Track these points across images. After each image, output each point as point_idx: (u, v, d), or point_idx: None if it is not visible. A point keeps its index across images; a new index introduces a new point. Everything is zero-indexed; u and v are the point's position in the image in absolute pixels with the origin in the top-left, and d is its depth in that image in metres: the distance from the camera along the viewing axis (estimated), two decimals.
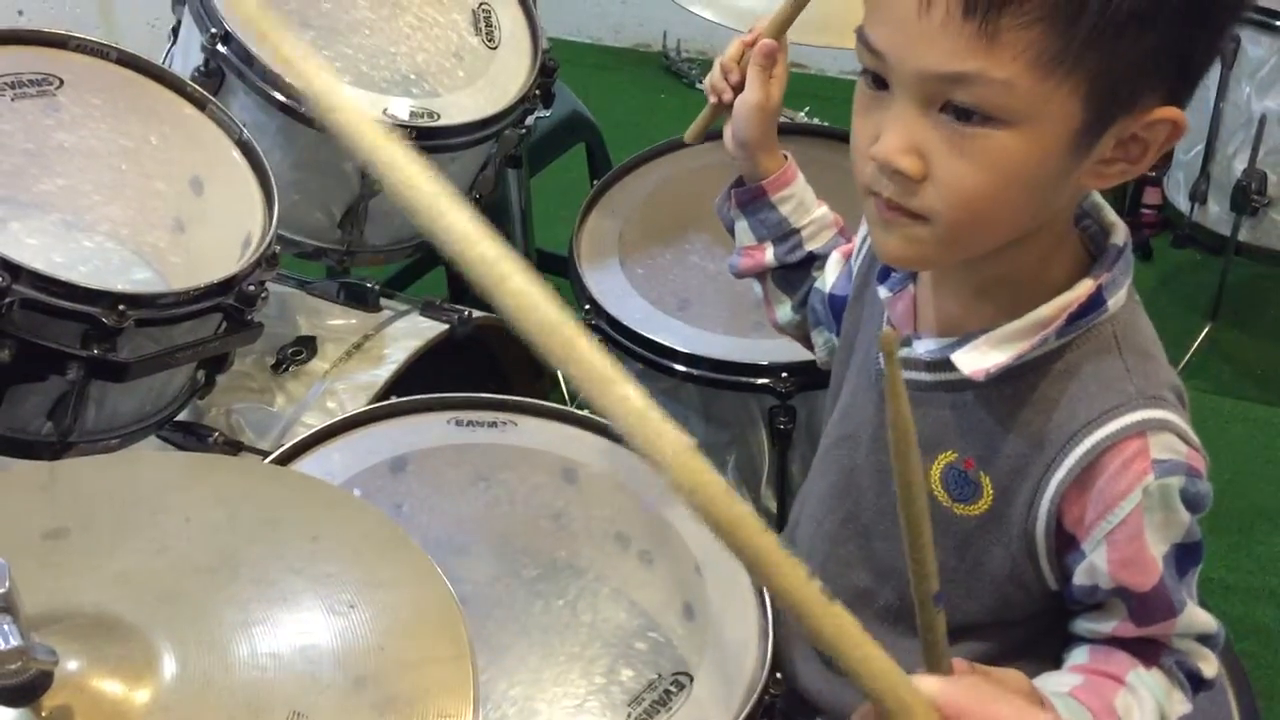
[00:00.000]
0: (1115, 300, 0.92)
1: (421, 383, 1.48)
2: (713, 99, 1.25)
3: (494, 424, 1.32)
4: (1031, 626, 1.03)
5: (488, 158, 1.71)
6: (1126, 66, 0.81)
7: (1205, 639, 0.97)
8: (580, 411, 1.34)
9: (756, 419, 1.52)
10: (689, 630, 1.13)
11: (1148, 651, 0.96)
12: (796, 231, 1.24)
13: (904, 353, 1.00)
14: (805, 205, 1.24)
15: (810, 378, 1.48)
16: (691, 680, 1.08)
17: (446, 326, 1.60)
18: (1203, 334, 2.56)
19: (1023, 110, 0.81)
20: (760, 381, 1.48)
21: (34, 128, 1.34)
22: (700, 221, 1.73)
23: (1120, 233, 0.94)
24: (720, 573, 1.18)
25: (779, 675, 1.09)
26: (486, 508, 1.24)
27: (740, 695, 1.07)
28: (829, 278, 1.22)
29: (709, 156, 1.82)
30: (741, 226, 1.27)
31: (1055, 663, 1.03)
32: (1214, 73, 2.44)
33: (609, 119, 2.44)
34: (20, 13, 2.62)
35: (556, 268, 2.24)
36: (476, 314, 1.64)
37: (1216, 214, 2.51)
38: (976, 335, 0.94)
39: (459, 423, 1.32)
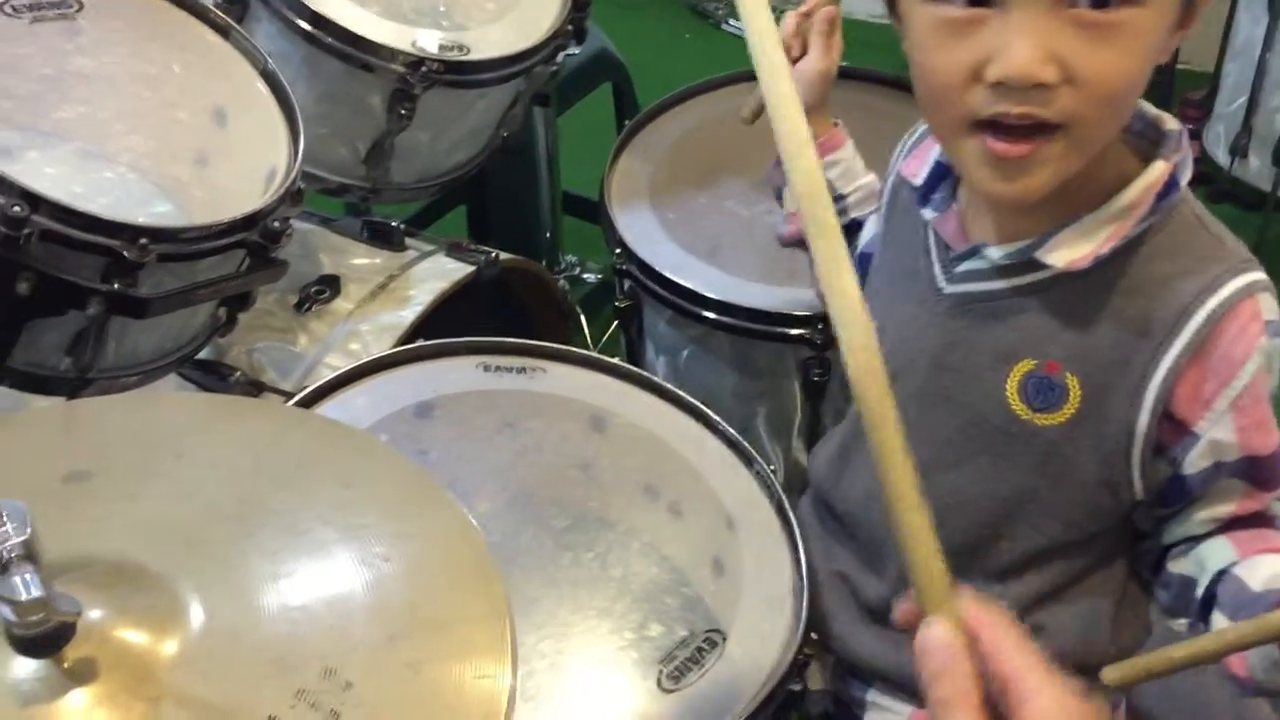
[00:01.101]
0: (1184, 181, 0.93)
1: (445, 325, 1.45)
2: None
3: (523, 370, 1.29)
4: (1094, 553, 1.02)
5: (517, 95, 1.66)
6: None
7: None
8: (611, 359, 1.31)
9: (790, 369, 1.49)
10: (720, 586, 1.11)
11: (1269, 524, 0.95)
12: (842, 198, 1.22)
13: (969, 265, 0.98)
14: (852, 172, 1.23)
15: None
16: (724, 638, 1.06)
17: (473, 268, 1.57)
18: None
19: None
20: (795, 332, 1.45)
21: (53, 52, 1.29)
22: (735, 166, 1.68)
23: (1171, 119, 0.94)
24: (752, 527, 1.16)
25: (814, 635, 1.06)
26: (515, 456, 1.21)
27: (775, 653, 1.05)
28: (865, 236, 1.20)
29: (744, 98, 1.78)
30: (788, 194, 1.26)
31: (1107, 599, 1.02)
32: (1261, 23, 2.38)
33: (633, 60, 2.38)
34: None
35: (583, 211, 2.21)
36: (504, 256, 1.60)
37: (1257, 168, 2.46)
38: (1056, 232, 0.92)
39: (487, 368, 1.29)
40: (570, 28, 1.62)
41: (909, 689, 1.10)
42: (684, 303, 1.50)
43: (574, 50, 1.80)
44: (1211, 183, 2.68)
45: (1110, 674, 0.85)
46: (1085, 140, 0.86)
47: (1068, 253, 0.91)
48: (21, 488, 0.69)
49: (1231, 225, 0.95)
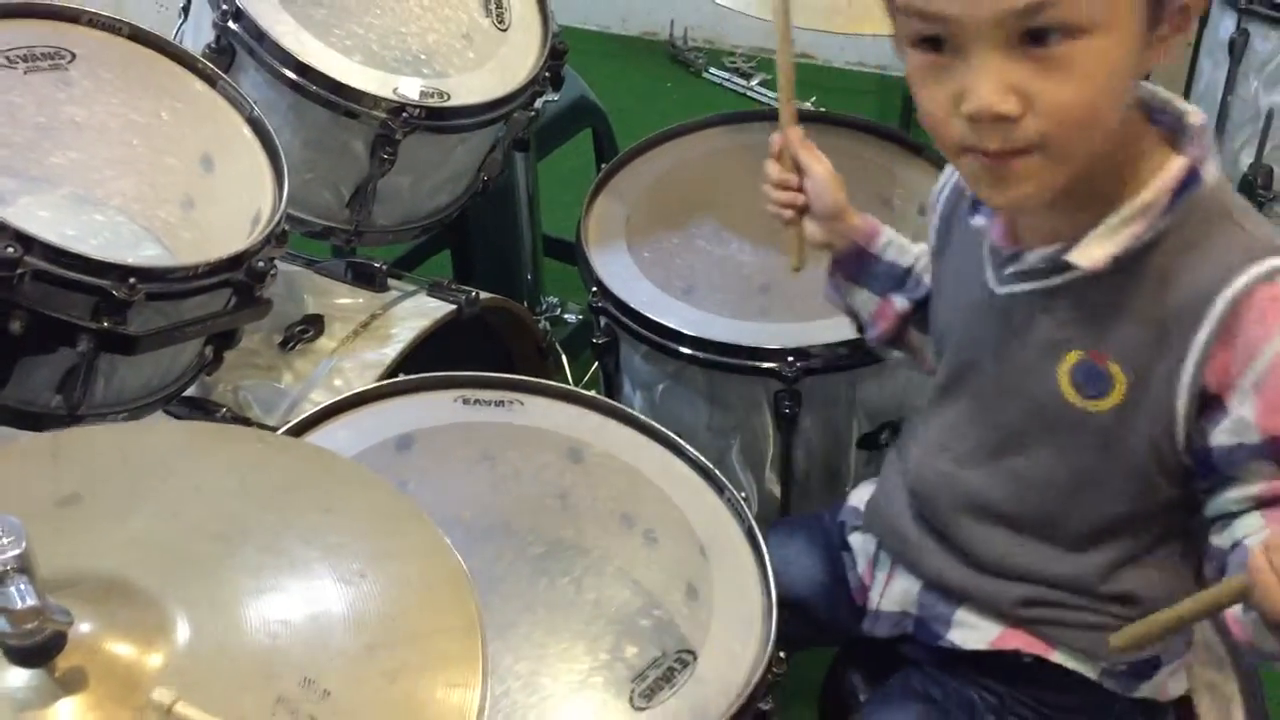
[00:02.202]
0: (1209, 173, 0.96)
1: (427, 363, 1.48)
2: (789, 215, 1.26)
3: (501, 403, 1.33)
4: (1160, 526, 1.07)
5: (496, 140, 1.71)
6: None
7: None
8: (587, 392, 1.35)
9: (761, 403, 1.53)
10: (692, 609, 1.14)
11: None
12: (909, 270, 1.27)
13: (1016, 267, 1.04)
14: (903, 246, 1.28)
15: (816, 361, 1.49)
16: (695, 658, 1.09)
17: (454, 307, 1.61)
18: None
19: (1096, 16, 0.86)
20: (766, 365, 1.49)
21: (46, 101, 1.34)
22: (707, 206, 1.74)
23: (1196, 114, 0.98)
24: (724, 554, 1.19)
25: (782, 654, 1.10)
26: (492, 486, 1.25)
27: (744, 673, 1.08)
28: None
29: (716, 141, 1.84)
30: (862, 298, 1.29)
31: (1176, 570, 1.08)
32: (1222, 67, 2.44)
33: (615, 107, 2.43)
34: None
35: (562, 253, 2.25)
36: (484, 295, 1.65)
37: None
38: (1084, 234, 0.97)
39: (466, 401, 1.33)
40: (547, 75, 1.68)
41: (996, 609, 1.15)
42: (659, 339, 1.54)
43: (553, 97, 1.86)
44: None
45: (1117, 640, 0.91)
46: (1061, 156, 0.92)
47: (1091, 253, 0.97)
48: (15, 510, 0.72)
49: None
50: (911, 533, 1.20)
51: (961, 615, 1.18)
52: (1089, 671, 1.13)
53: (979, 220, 1.07)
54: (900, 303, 1.27)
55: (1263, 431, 0.95)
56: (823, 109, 1.99)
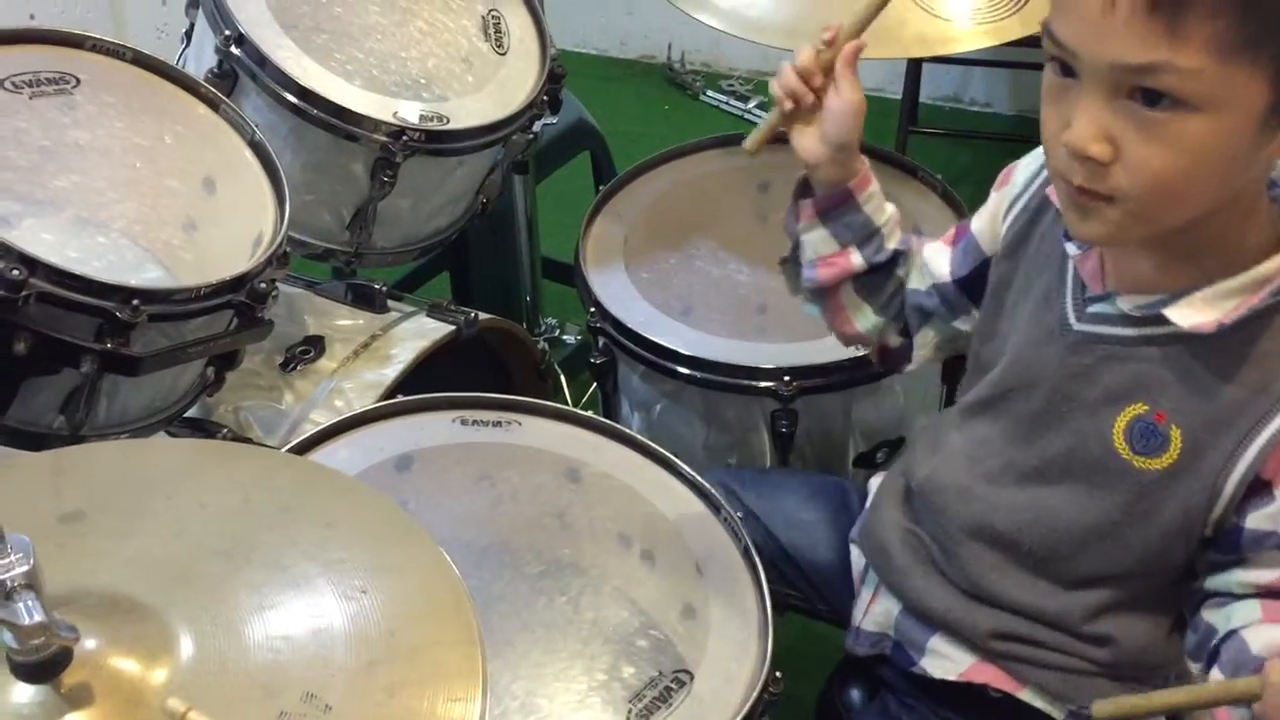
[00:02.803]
0: None
1: (426, 383, 1.50)
2: (788, 105, 1.14)
3: (499, 423, 1.34)
4: (1157, 582, 1.07)
5: (495, 162, 1.73)
6: None
7: None
8: (584, 412, 1.36)
9: (759, 422, 1.54)
10: (689, 629, 1.15)
11: None
12: (879, 231, 1.22)
13: (1102, 307, 1.03)
14: (882, 204, 1.23)
15: (812, 381, 1.50)
16: (692, 678, 1.10)
17: (453, 328, 1.62)
18: None
19: (1210, 95, 0.85)
20: (763, 385, 1.50)
21: (50, 125, 1.36)
22: (705, 226, 1.75)
23: None
24: (720, 573, 1.20)
25: (778, 674, 1.10)
26: (491, 506, 1.26)
27: (740, 693, 1.08)
28: (939, 268, 1.22)
29: (713, 163, 1.85)
30: (819, 235, 1.22)
31: (1157, 621, 1.08)
32: None
33: (613, 130, 2.45)
34: (31, 16, 2.63)
35: (561, 275, 2.27)
36: (483, 316, 1.66)
37: None
38: (1187, 293, 0.96)
39: (464, 422, 1.34)
40: (545, 98, 1.69)
41: (969, 640, 1.15)
42: (657, 359, 1.55)
43: (552, 120, 1.88)
44: None
45: (1100, 708, 0.90)
46: (1138, 214, 0.91)
47: (1193, 315, 0.95)
48: (20, 527, 0.73)
49: None
50: (899, 554, 1.20)
51: (935, 643, 1.18)
52: (1056, 713, 1.13)
53: (1072, 248, 1.04)
54: (856, 259, 1.21)
55: None
56: None
